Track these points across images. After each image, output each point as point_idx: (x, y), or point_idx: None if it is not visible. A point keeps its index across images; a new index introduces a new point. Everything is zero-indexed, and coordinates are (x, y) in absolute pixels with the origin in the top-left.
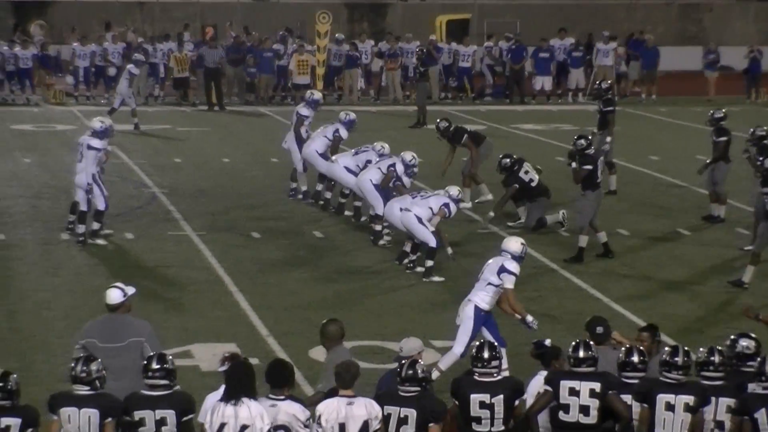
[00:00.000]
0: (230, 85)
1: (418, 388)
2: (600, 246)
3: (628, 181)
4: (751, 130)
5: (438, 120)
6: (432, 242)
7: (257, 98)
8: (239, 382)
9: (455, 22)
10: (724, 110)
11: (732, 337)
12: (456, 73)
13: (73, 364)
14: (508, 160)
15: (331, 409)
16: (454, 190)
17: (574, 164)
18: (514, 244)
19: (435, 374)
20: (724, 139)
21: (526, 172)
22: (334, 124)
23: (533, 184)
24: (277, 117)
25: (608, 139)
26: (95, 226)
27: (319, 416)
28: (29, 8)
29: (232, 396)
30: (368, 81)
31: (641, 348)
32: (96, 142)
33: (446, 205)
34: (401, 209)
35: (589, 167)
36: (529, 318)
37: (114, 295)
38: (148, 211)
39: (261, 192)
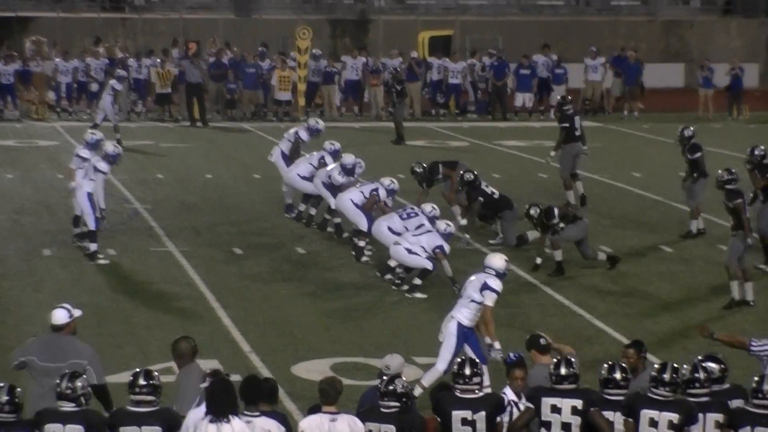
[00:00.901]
0: (212, 100)
1: (398, 404)
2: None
3: (611, 198)
4: (749, 149)
5: (412, 165)
6: (429, 266)
7: (240, 114)
8: (222, 400)
9: (438, 39)
10: (693, 127)
11: (698, 358)
12: (445, 89)
13: (58, 381)
14: (470, 174)
15: (314, 425)
16: (442, 225)
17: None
18: (497, 260)
19: (418, 391)
20: (699, 154)
21: (487, 186)
22: (319, 152)
23: (495, 196)
24: (260, 133)
25: (552, 153)
26: (92, 247)
27: (303, 431)
28: (12, 24)
29: (218, 413)
30: (354, 97)
31: (623, 365)
32: (103, 166)
33: (440, 247)
34: (389, 229)
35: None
36: (497, 345)
37: (60, 315)
38: (131, 226)
39: (244, 208)
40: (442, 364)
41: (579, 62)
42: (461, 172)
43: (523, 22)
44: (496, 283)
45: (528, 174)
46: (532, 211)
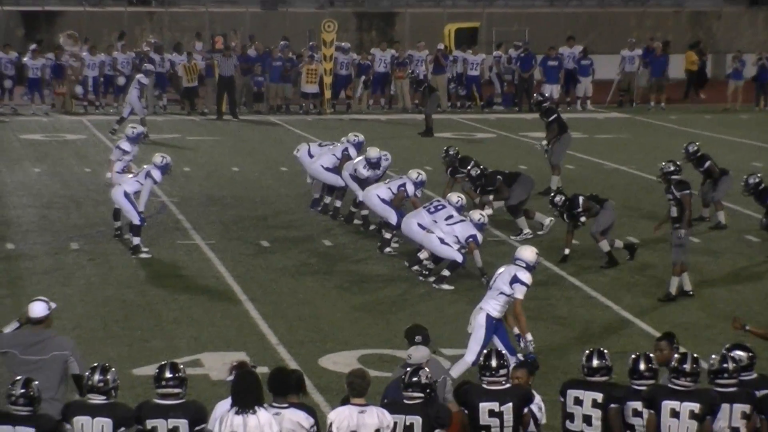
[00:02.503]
0: (239, 94)
1: (422, 395)
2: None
3: (638, 189)
4: (744, 177)
5: (447, 147)
6: (459, 258)
7: (267, 107)
8: (247, 392)
9: (464, 31)
10: (697, 143)
11: (726, 347)
12: (465, 81)
13: (88, 374)
14: (476, 169)
15: (342, 417)
16: (476, 215)
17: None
18: (528, 253)
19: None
20: (708, 163)
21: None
22: (343, 144)
23: (506, 172)
24: (287, 126)
25: (543, 142)
26: (135, 241)
27: (330, 424)
28: (39, 18)
29: (243, 405)
30: (382, 90)
31: (650, 355)
32: (126, 145)
33: (473, 237)
34: (420, 226)
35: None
36: (529, 337)
37: (39, 308)
38: (158, 220)
39: (271, 201)
40: (470, 355)
41: (605, 54)
42: (468, 167)
43: (550, 13)
44: (525, 276)
45: None
46: (557, 199)
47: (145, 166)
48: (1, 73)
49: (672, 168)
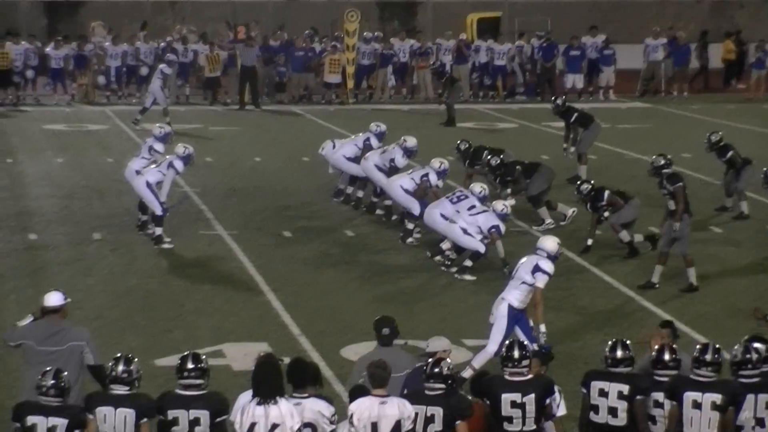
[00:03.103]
0: (261, 84)
1: (444, 386)
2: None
3: None
4: (765, 170)
5: (458, 142)
6: (481, 248)
7: (289, 97)
8: (267, 382)
9: (486, 21)
10: (720, 133)
11: (745, 338)
12: (490, 71)
13: (112, 364)
14: (496, 158)
15: (363, 408)
16: (499, 206)
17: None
18: (550, 242)
19: (468, 373)
20: (731, 153)
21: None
22: (365, 133)
23: (526, 162)
24: (309, 116)
25: (572, 150)
26: (158, 231)
27: (351, 415)
28: (61, 8)
29: (264, 396)
30: (402, 80)
31: (674, 346)
32: (159, 146)
33: (496, 228)
34: (443, 216)
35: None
36: (543, 328)
37: (55, 298)
38: (180, 210)
39: (293, 191)
40: (492, 345)
41: (627, 43)
42: (488, 157)
43: (572, 3)
44: (548, 266)
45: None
46: (583, 187)
47: (167, 157)
48: (24, 63)
49: (662, 162)
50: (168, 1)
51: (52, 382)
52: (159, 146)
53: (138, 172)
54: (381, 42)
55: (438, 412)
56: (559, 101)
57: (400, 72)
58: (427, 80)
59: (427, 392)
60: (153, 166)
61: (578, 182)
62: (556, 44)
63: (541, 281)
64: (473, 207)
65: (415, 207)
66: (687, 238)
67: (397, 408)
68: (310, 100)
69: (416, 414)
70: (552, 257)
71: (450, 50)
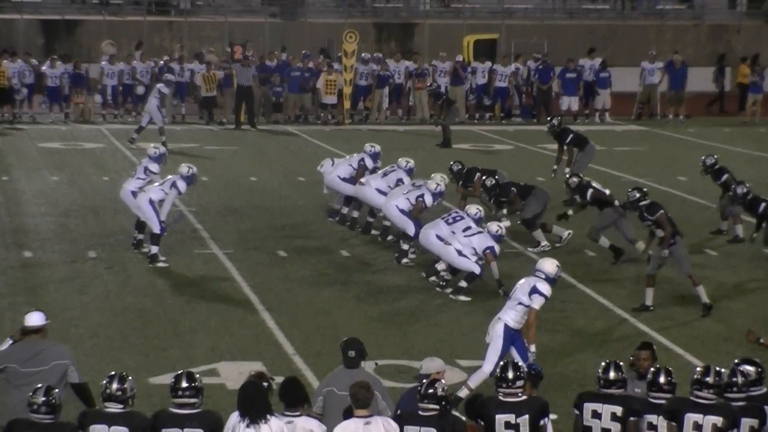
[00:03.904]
0: (257, 104)
1: (438, 407)
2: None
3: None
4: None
5: (451, 163)
6: (477, 270)
7: (286, 117)
8: (255, 402)
9: (483, 42)
10: (716, 156)
11: (735, 361)
12: (491, 92)
13: (106, 382)
14: (491, 179)
15: (348, 430)
16: (494, 227)
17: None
18: (549, 265)
19: (464, 392)
20: (726, 176)
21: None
22: (360, 154)
23: (521, 184)
24: (305, 136)
25: (566, 170)
26: (153, 249)
27: None
28: (59, 27)
29: (253, 416)
30: (398, 101)
31: (669, 368)
32: (155, 167)
33: (491, 249)
34: (438, 237)
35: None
36: (533, 349)
37: (36, 318)
38: (176, 229)
39: (289, 211)
40: (488, 365)
41: (624, 66)
42: (483, 178)
43: (569, 26)
44: (545, 288)
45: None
46: (572, 179)
47: (170, 176)
48: (20, 81)
49: (638, 195)
50: (165, 21)
51: (44, 399)
52: (154, 167)
53: (134, 193)
54: (378, 63)
55: None
56: (555, 121)
57: (396, 93)
58: (424, 101)
59: (420, 413)
60: (156, 184)
61: (567, 175)
62: (552, 66)
63: (537, 303)
64: (468, 228)
65: (410, 228)
66: (685, 258)
67: (382, 427)
68: (306, 120)
69: None
70: (550, 279)
71: (446, 72)
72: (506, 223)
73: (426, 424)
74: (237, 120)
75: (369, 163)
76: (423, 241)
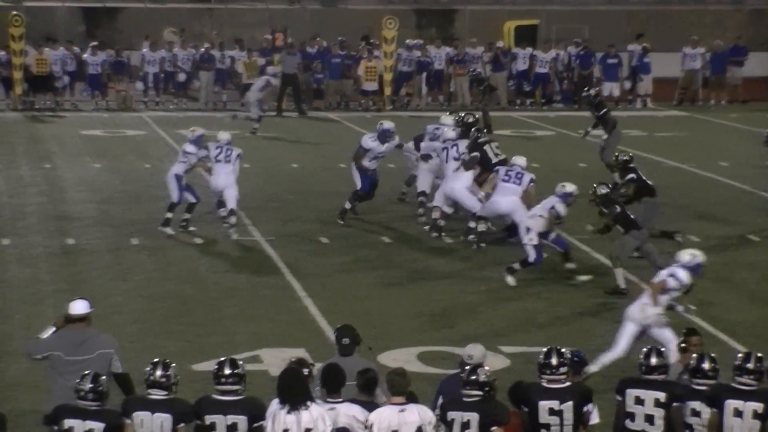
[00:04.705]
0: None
1: (481, 393)
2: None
3: (697, 187)
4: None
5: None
6: (532, 256)
7: (326, 104)
8: (294, 388)
9: (524, 28)
10: None
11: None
12: (532, 78)
13: (150, 369)
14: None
15: (383, 417)
16: (570, 187)
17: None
18: (688, 256)
19: (593, 368)
20: None
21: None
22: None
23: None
24: (346, 123)
25: (604, 137)
26: (168, 215)
27: (372, 425)
28: (100, 15)
29: (294, 403)
30: (439, 87)
31: (713, 355)
32: (191, 148)
33: (554, 208)
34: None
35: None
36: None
37: (80, 306)
38: (217, 216)
39: (330, 197)
40: (620, 347)
41: (664, 52)
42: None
43: (610, 11)
44: (683, 274)
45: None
46: (620, 158)
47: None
48: (62, 69)
49: (605, 191)
50: (205, 8)
51: (91, 386)
52: (190, 147)
53: (178, 177)
54: (419, 49)
55: (474, 417)
56: (592, 91)
57: (436, 79)
58: (464, 87)
59: (464, 398)
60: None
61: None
62: (593, 52)
63: (674, 283)
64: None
65: (474, 205)
66: (624, 248)
67: (418, 414)
68: (347, 107)
69: (452, 420)
70: (690, 267)
71: (479, 58)
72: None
73: (469, 409)
74: (279, 107)
75: (366, 143)
76: (493, 208)
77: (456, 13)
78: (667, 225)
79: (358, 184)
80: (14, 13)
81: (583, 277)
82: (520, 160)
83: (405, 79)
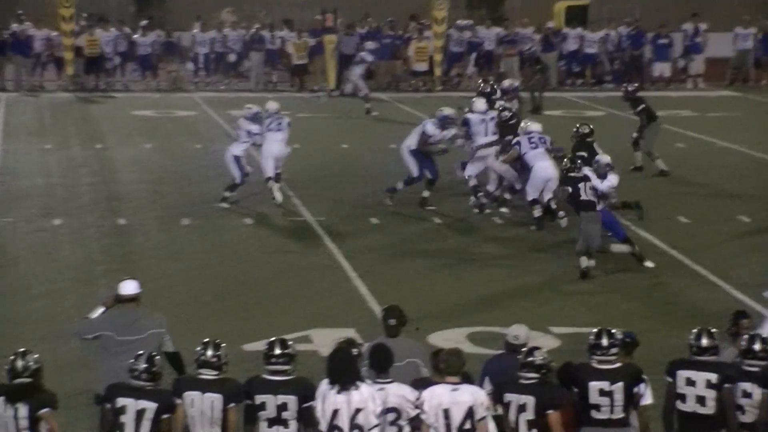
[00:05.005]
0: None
1: (537, 375)
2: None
3: (749, 168)
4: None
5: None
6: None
7: (376, 84)
8: (344, 368)
9: (574, 8)
10: None
11: None
12: (581, 58)
13: (201, 349)
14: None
15: (435, 395)
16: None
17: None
18: None
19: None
20: None
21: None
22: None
23: None
24: (397, 103)
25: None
26: (227, 194)
27: (423, 402)
28: None
29: (343, 383)
30: (489, 67)
31: (764, 336)
32: (255, 128)
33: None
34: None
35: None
36: None
37: (131, 287)
38: (268, 197)
39: (380, 178)
40: None
41: (716, 32)
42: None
43: None
44: None
45: (665, 144)
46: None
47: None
48: (114, 50)
49: (569, 165)
50: None
51: (145, 365)
52: (254, 127)
53: (237, 157)
54: (470, 30)
55: (530, 401)
56: (630, 87)
57: (486, 60)
58: (514, 68)
59: (521, 381)
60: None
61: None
62: (644, 32)
63: None
64: None
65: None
66: (590, 234)
67: (470, 395)
68: (397, 88)
69: (509, 402)
70: None
71: (529, 38)
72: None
73: (525, 392)
74: (338, 86)
75: (429, 128)
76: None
77: None
78: (721, 207)
79: (414, 172)
80: None
81: (622, 247)
82: (535, 126)
83: (455, 60)
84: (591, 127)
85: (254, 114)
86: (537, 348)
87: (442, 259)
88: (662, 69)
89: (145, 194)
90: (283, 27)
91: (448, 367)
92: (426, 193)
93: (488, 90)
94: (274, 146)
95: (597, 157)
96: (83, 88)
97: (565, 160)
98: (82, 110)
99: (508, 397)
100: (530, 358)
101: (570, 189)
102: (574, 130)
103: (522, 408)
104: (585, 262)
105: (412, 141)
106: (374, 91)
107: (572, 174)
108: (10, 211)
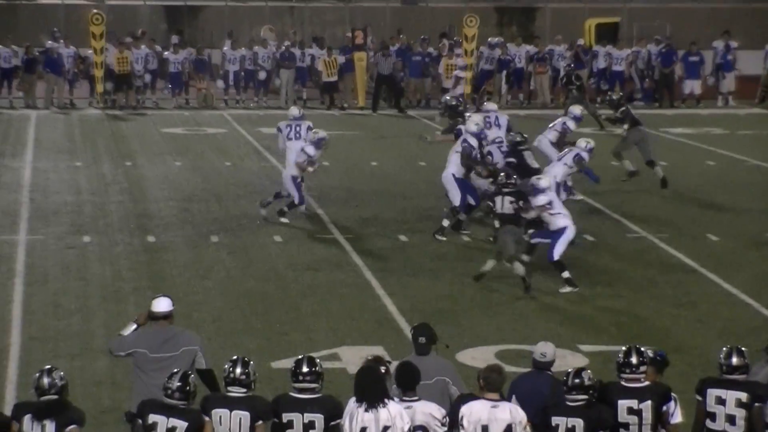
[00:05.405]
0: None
1: (585, 397)
2: None
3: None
4: None
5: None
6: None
7: (407, 102)
8: (372, 386)
9: (605, 26)
10: None
11: None
12: (608, 76)
13: (229, 366)
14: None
15: (474, 410)
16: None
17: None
18: None
19: None
20: None
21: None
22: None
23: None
24: (426, 121)
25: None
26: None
27: (462, 417)
28: (182, 13)
29: (371, 401)
30: (519, 85)
31: None
32: (311, 149)
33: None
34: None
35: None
36: None
37: (164, 304)
38: (297, 214)
39: (410, 196)
40: None
41: (747, 49)
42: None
43: (692, 9)
44: None
45: (695, 162)
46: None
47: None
48: (144, 67)
49: (519, 138)
50: (287, 6)
51: (179, 384)
52: (310, 149)
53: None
54: (500, 47)
55: (579, 423)
56: (614, 96)
57: (516, 77)
58: (545, 85)
59: (569, 403)
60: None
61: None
62: (675, 50)
63: None
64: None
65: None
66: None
67: (509, 413)
68: (427, 105)
69: (557, 425)
70: None
71: (562, 55)
72: None
73: (574, 414)
74: (374, 105)
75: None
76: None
77: (537, 11)
78: (751, 225)
79: (456, 200)
80: (95, 11)
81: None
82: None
83: (486, 78)
84: (525, 136)
85: (319, 139)
86: (583, 369)
87: (470, 277)
88: (693, 86)
89: (175, 212)
90: (313, 44)
91: (488, 383)
92: (463, 217)
93: (453, 103)
94: (292, 156)
95: (533, 179)
96: (113, 105)
97: (501, 174)
98: (112, 128)
99: (556, 420)
100: (577, 380)
101: (491, 204)
102: (509, 137)
103: (571, 430)
104: (519, 269)
105: (453, 168)
106: (405, 108)
107: (505, 189)
108: (40, 229)
